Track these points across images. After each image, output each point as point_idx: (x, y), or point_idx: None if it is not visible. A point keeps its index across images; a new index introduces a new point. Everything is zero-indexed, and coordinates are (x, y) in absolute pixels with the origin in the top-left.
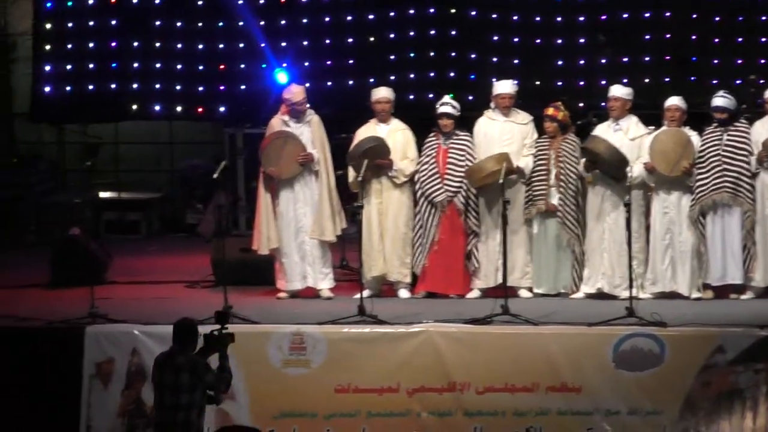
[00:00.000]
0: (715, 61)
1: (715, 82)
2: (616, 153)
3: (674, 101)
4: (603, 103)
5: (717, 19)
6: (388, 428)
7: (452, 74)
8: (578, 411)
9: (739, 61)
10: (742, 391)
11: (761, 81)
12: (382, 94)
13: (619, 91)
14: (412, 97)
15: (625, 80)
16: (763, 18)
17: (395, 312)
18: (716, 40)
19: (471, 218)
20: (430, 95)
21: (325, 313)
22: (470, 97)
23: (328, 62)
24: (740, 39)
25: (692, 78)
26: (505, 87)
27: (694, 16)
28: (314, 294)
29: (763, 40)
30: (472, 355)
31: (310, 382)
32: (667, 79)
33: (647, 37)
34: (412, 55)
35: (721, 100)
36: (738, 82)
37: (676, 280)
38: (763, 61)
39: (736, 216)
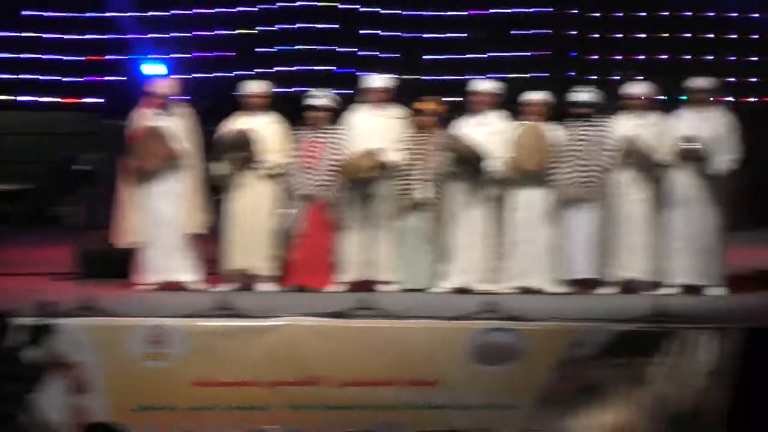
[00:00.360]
0: (594, 57)
1: (592, 77)
2: (473, 151)
3: (536, 95)
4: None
5: (595, 14)
6: (247, 421)
7: (326, 68)
8: (435, 405)
9: (618, 57)
10: (600, 386)
11: (638, 76)
12: (255, 87)
13: (483, 85)
14: (286, 90)
15: (504, 76)
16: (642, 13)
17: (257, 305)
18: (594, 35)
19: (338, 212)
20: (304, 89)
21: (186, 306)
22: (344, 91)
23: (201, 54)
24: (619, 35)
25: (571, 73)
26: (378, 81)
27: (573, 11)
28: (177, 287)
29: (642, 35)
30: (332, 348)
31: (170, 376)
32: (546, 74)
33: (524, 32)
34: (285, 48)
35: (582, 94)
36: (616, 78)
37: (533, 275)
38: (642, 57)
39: (591, 211)
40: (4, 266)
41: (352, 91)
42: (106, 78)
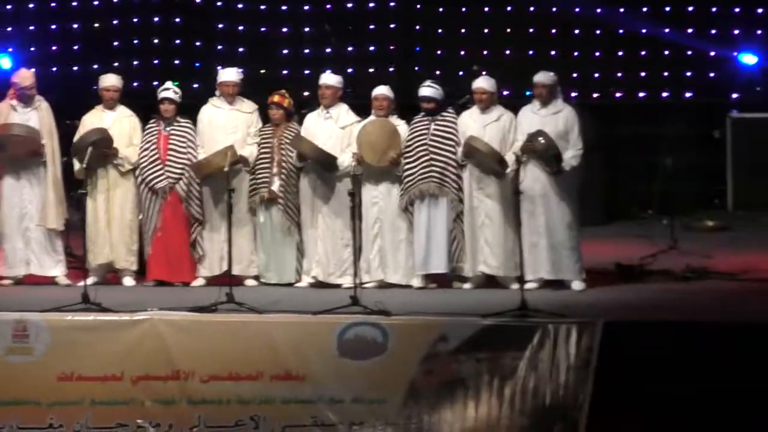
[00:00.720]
0: (439, 52)
1: (438, 72)
2: (320, 153)
3: (381, 90)
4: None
5: (441, 10)
6: (112, 416)
7: (177, 62)
8: (302, 399)
9: (463, 53)
10: (465, 379)
11: (484, 72)
12: (111, 81)
13: (330, 79)
14: (136, 84)
15: (350, 70)
16: (486, 9)
17: (120, 300)
18: (440, 30)
19: (193, 206)
20: (155, 83)
21: (50, 300)
22: (195, 85)
23: (54, 47)
24: (464, 30)
25: (416, 68)
26: (229, 75)
27: (419, 6)
28: (39, 281)
29: (486, 31)
30: (197, 343)
31: (33, 370)
32: (391, 69)
33: (372, 27)
34: (136, 41)
35: (427, 90)
36: (461, 73)
37: (385, 270)
38: (486, 52)
39: (443, 206)
40: None
41: (197, 85)
42: None
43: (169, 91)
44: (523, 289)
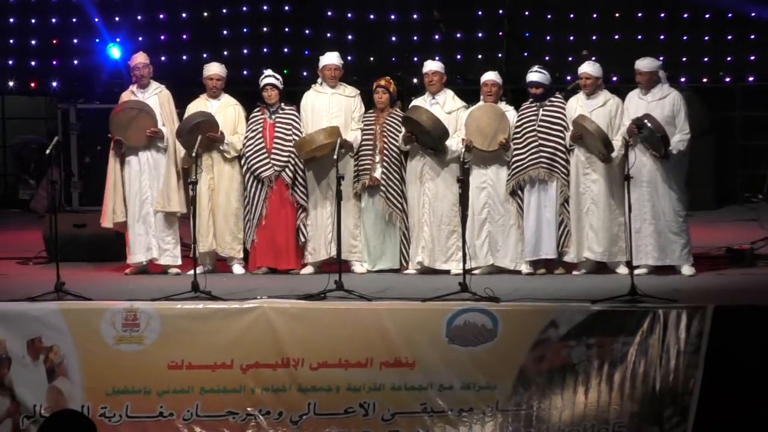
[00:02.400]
0: (548, 38)
1: (547, 58)
2: (438, 123)
3: (490, 76)
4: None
5: None
6: (222, 404)
7: (286, 50)
8: (412, 386)
9: (572, 38)
10: (575, 365)
11: (593, 58)
12: (214, 70)
13: (434, 65)
14: (246, 72)
15: (459, 57)
16: None
17: (229, 288)
18: (549, 16)
19: (298, 193)
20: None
21: (159, 289)
22: (305, 73)
23: (162, 37)
24: (572, 15)
25: (525, 54)
26: (331, 59)
27: None
28: (156, 269)
29: (595, 15)
30: (306, 330)
31: (144, 359)
32: (499, 55)
33: (480, 13)
34: (245, 30)
35: (535, 75)
36: (570, 59)
37: (494, 255)
38: (594, 37)
39: (552, 191)
40: None
41: (307, 73)
42: (56, 62)
43: (271, 77)
44: (632, 274)
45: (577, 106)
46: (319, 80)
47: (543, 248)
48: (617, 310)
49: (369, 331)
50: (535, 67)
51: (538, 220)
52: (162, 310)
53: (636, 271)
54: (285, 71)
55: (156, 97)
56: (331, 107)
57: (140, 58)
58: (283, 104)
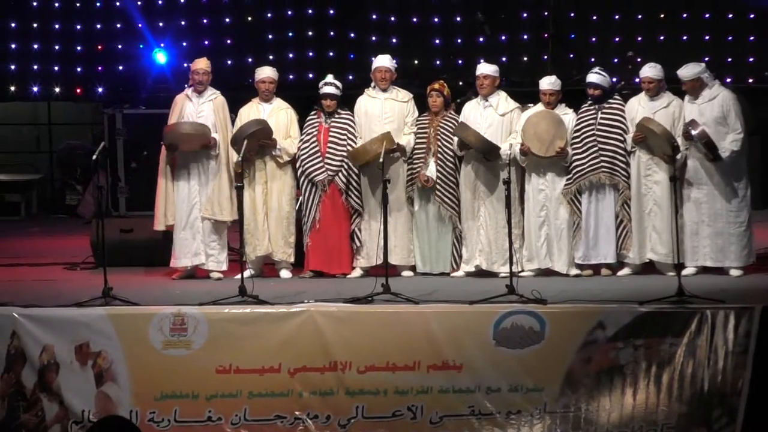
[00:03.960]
0: (593, 39)
1: (592, 59)
2: (484, 142)
3: (547, 85)
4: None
5: None
6: (269, 408)
7: (331, 54)
8: (459, 389)
9: (617, 39)
10: (622, 367)
11: (639, 59)
12: (267, 73)
13: (487, 68)
14: (291, 77)
15: (504, 59)
16: None
17: (276, 292)
18: (594, 17)
19: (353, 197)
20: (310, 75)
21: (207, 293)
22: (350, 77)
23: (206, 42)
24: (617, 16)
25: (571, 55)
26: (383, 61)
27: None
28: (203, 274)
29: (640, 16)
30: (353, 334)
31: (192, 363)
32: (545, 57)
33: (524, 14)
34: (290, 34)
35: (594, 76)
36: (615, 60)
37: (551, 258)
38: (640, 39)
39: (611, 195)
40: (19, 257)
41: (352, 77)
42: (101, 68)
43: (331, 86)
44: (680, 275)
45: (639, 107)
46: (372, 84)
47: (601, 252)
48: (664, 311)
49: (416, 334)
50: (595, 69)
51: (596, 224)
52: (209, 315)
53: (684, 272)
54: (330, 75)
55: (211, 104)
56: (384, 112)
57: (202, 64)
58: (339, 109)
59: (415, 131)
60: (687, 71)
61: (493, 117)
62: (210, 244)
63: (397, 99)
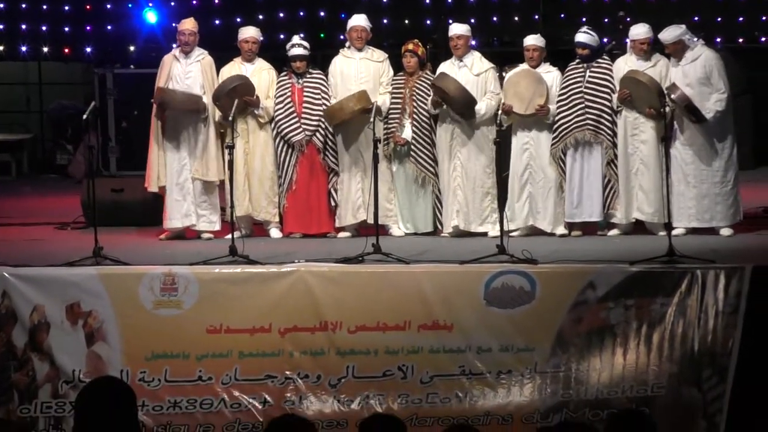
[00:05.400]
0: None
1: (584, 19)
2: (464, 92)
3: (531, 40)
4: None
5: None
6: (260, 368)
7: (322, 14)
8: (450, 348)
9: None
10: (613, 326)
11: (628, 19)
12: (250, 33)
13: (460, 29)
14: (282, 36)
15: (495, 18)
16: None
17: (267, 252)
18: None
19: (329, 157)
20: (301, 35)
21: (197, 253)
22: (342, 37)
23: (194, 2)
24: None
25: (562, 15)
26: (358, 20)
27: None
28: (193, 235)
29: None
30: (344, 294)
31: (182, 323)
32: (536, 17)
33: None
34: None
35: (583, 36)
36: (605, 20)
37: (535, 217)
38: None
39: (597, 154)
40: (9, 217)
41: (344, 37)
42: (90, 27)
43: (299, 47)
44: (670, 235)
45: (626, 66)
46: (347, 44)
47: (586, 211)
48: (655, 271)
49: (407, 295)
50: (583, 28)
51: (581, 182)
52: (200, 275)
53: (674, 232)
54: (321, 35)
55: (198, 64)
56: (359, 72)
57: (188, 24)
58: (310, 69)
59: (391, 91)
60: (668, 34)
61: (468, 77)
62: (201, 205)
63: (372, 59)
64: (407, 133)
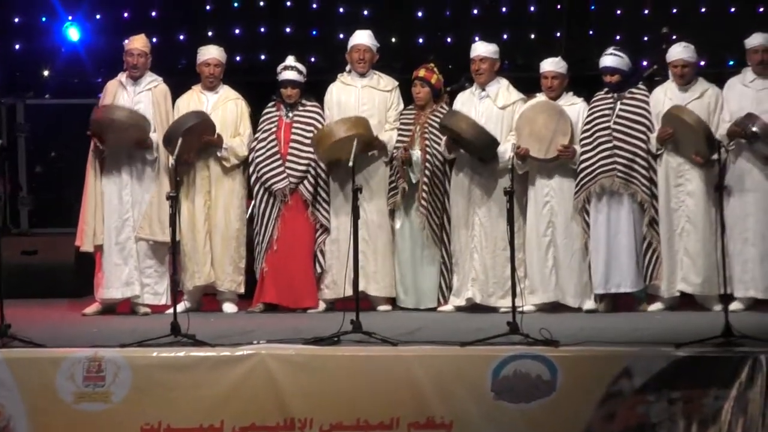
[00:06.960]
0: (618, 12)
1: (618, 37)
2: (481, 132)
3: (549, 66)
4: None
5: None
6: None
7: (288, 29)
8: None
9: (646, 11)
10: (654, 426)
11: (674, 36)
12: (212, 54)
13: (484, 49)
14: (238, 59)
15: (505, 36)
16: None
17: (219, 330)
18: None
19: (320, 210)
20: (262, 56)
21: (130, 332)
22: (312, 58)
23: (125, 14)
24: None
25: (590, 32)
26: (361, 38)
27: None
28: (130, 309)
29: None
30: (316, 383)
31: (111, 421)
32: (558, 34)
33: None
34: (236, 4)
35: (610, 59)
36: (645, 38)
37: (562, 288)
38: (675, 10)
39: (628, 207)
40: None
41: (314, 59)
42: None
43: (292, 71)
44: (726, 310)
45: (666, 98)
46: (348, 68)
47: (614, 280)
48: (707, 355)
49: (394, 384)
50: (610, 49)
51: (608, 242)
52: (133, 360)
53: (731, 307)
54: (294, 57)
55: (149, 93)
56: (361, 102)
57: (137, 43)
58: (304, 100)
59: (399, 127)
60: (757, 40)
61: (491, 110)
62: (145, 271)
63: (378, 87)
64: (416, 155)
